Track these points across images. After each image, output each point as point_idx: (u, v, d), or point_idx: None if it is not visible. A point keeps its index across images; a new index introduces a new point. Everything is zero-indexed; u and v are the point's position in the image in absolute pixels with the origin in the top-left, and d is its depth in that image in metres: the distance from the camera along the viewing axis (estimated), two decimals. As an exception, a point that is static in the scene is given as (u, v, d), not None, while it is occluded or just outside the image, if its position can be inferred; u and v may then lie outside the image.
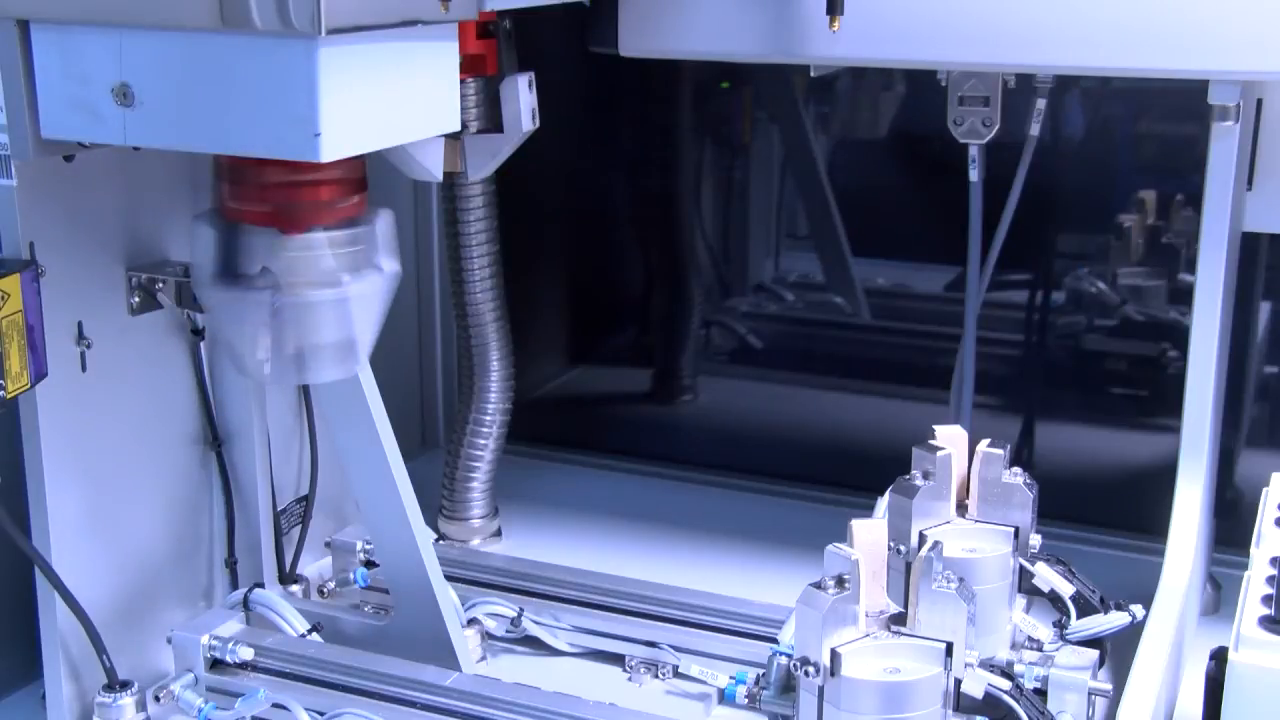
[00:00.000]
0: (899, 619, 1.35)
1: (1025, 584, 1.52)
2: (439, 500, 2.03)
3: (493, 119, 1.62)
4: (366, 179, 1.38)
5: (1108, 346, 2.13)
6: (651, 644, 1.67)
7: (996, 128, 1.72)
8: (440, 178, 1.51)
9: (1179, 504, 1.63)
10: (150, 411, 1.60)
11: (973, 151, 1.76)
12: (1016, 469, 1.53)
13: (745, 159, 2.37)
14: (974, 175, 1.78)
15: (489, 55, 1.57)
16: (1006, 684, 1.36)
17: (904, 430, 1.63)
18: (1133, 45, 1.46)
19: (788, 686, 1.41)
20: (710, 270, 2.43)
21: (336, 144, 1.18)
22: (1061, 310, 2.14)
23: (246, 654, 1.57)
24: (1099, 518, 2.03)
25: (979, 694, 1.34)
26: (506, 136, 1.62)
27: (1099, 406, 2.17)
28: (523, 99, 1.61)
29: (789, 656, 1.37)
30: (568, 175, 2.42)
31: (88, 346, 1.49)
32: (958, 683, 1.32)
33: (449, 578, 1.67)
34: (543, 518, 2.10)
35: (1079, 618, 1.50)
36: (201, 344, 1.64)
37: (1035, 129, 1.75)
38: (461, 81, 1.42)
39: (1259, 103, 1.63)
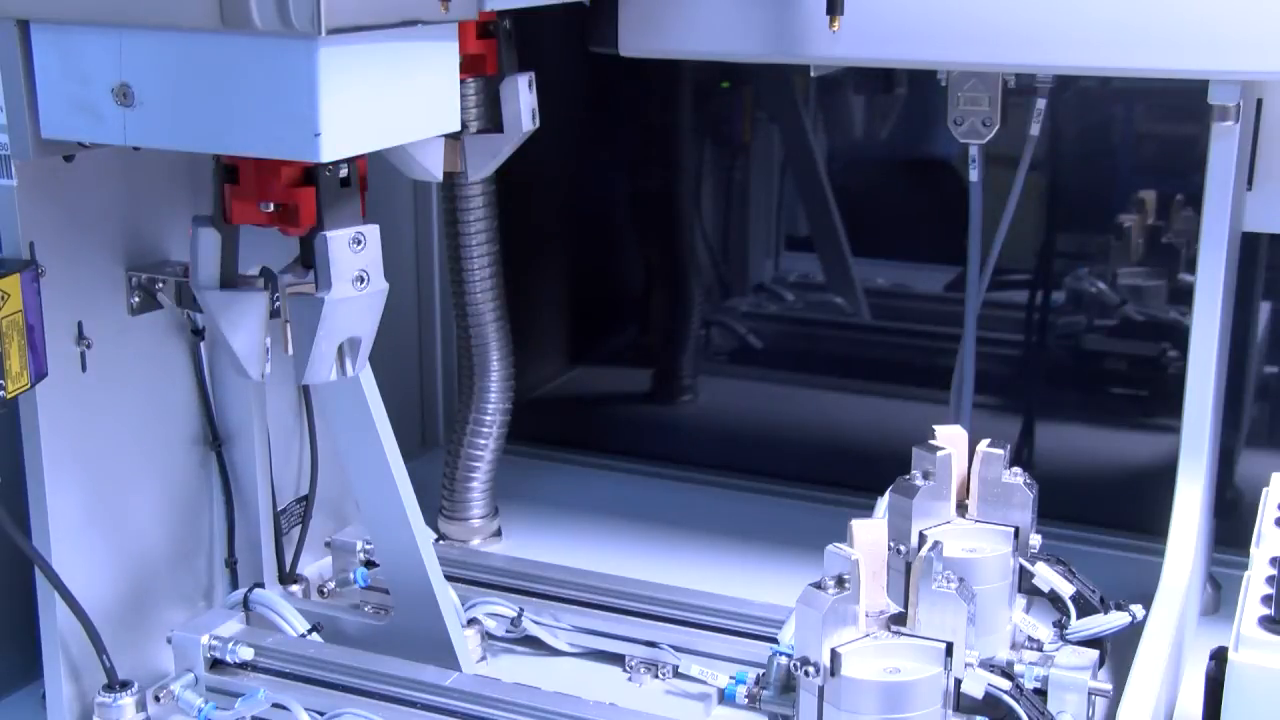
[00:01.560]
0: (899, 619, 1.35)
1: (1025, 584, 1.52)
2: (439, 500, 2.03)
3: (493, 119, 1.61)
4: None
5: (1108, 346, 2.13)
6: (651, 644, 1.67)
7: (996, 128, 1.72)
8: (440, 178, 1.51)
9: (1179, 504, 1.63)
10: (150, 411, 1.60)
11: (973, 151, 1.76)
12: (1016, 469, 1.53)
13: (745, 159, 2.37)
14: (974, 175, 1.78)
15: (489, 55, 1.57)
16: (1006, 684, 1.36)
17: (904, 430, 1.63)
18: (1133, 45, 1.46)
19: (788, 686, 1.41)
20: (710, 270, 2.43)
21: (336, 144, 1.18)
22: (1061, 310, 2.14)
23: (246, 654, 1.57)
24: (1099, 518, 2.03)
25: (979, 694, 1.34)
26: (506, 136, 1.62)
27: (1099, 406, 2.17)
28: (523, 99, 1.61)
29: (789, 656, 1.37)
30: (568, 175, 2.42)
31: (88, 346, 1.49)
32: (958, 683, 1.32)
33: (449, 578, 1.67)
34: (543, 518, 2.10)
35: (1079, 618, 1.50)
36: (201, 344, 1.64)
37: (1035, 129, 1.75)
38: (461, 81, 1.41)
39: (1259, 103, 1.63)
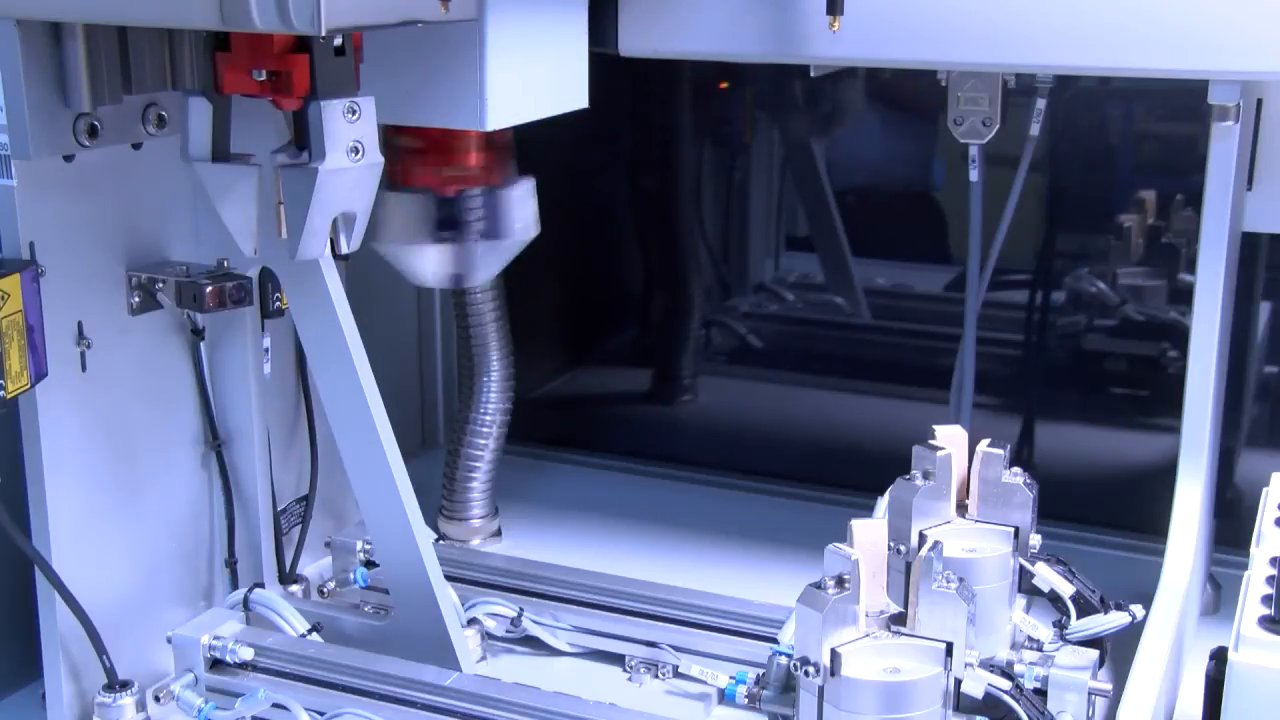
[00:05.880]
0: (899, 619, 1.35)
1: (1025, 584, 1.52)
2: (439, 500, 2.03)
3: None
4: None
5: (1108, 346, 2.13)
6: (651, 644, 1.67)
7: (996, 128, 1.72)
8: None
9: (1179, 504, 1.63)
10: (150, 411, 1.60)
11: (973, 151, 1.76)
12: (1016, 469, 1.53)
13: (745, 159, 2.37)
14: (974, 175, 1.78)
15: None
16: (1006, 684, 1.36)
17: (904, 430, 1.63)
18: (1133, 45, 1.46)
19: (788, 686, 1.41)
20: (710, 270, 2.43)
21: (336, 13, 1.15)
22: (1061, 310, 2.14)
23: (246, 654, 1.57)
24: (1099, 518, 2.02)
25: (979, 694, 1.34)
26: None
27: (1099, 406, 2.17)
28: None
29: (789, 656, 1.37)
30: (567, 175, 2.41)
31: (88, 346, 1.49)
32: (958, 683, 1.33)
33: (449, 578, 1.67)
34: (543, 518, 2.09)
35: (1079, 618, 1.50)
36: (201, 344, 1.64)
37: (1035, 129, 1.75)
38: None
39: (1259, 103, 1.63)
